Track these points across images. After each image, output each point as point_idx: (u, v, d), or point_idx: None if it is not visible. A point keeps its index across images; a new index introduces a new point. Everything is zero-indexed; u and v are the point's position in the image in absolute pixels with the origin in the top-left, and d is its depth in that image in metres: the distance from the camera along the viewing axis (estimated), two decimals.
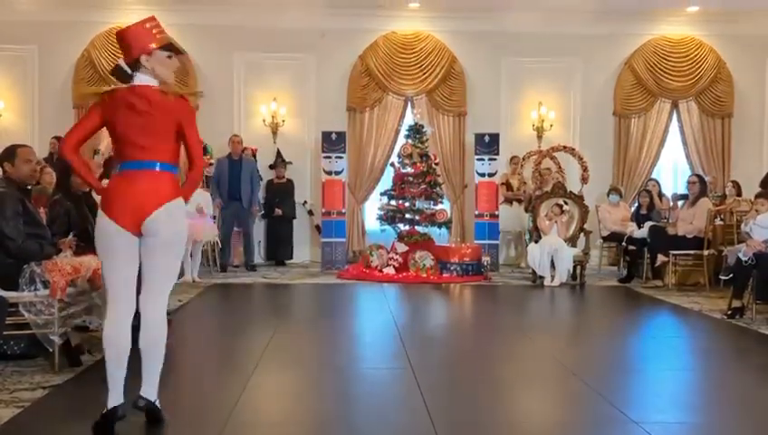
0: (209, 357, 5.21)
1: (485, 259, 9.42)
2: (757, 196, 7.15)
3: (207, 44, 10.73)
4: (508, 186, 10.70)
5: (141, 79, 3.19)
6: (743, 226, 7.07)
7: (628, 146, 11.22)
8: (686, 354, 5.55)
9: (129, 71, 3.21)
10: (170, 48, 3.25)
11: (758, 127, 11.42)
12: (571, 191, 9.36)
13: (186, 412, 3.76)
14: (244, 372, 4.42)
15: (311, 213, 10.92)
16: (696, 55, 11.14)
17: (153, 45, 3.19)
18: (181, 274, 8.44)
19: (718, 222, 8.74)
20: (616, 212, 9.85)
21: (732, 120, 11.23)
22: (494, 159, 10.17)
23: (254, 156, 10.41)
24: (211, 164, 9.97)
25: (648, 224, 8.93)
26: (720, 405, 4.02)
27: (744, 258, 6.37)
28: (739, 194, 9.69)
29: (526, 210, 10.14)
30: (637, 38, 11.19)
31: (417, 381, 4.25)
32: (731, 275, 6.65)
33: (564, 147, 10.34)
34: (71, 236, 4.76)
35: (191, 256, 8.59)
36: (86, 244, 4.86)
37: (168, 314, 6.11)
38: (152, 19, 3.27)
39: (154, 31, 3.22)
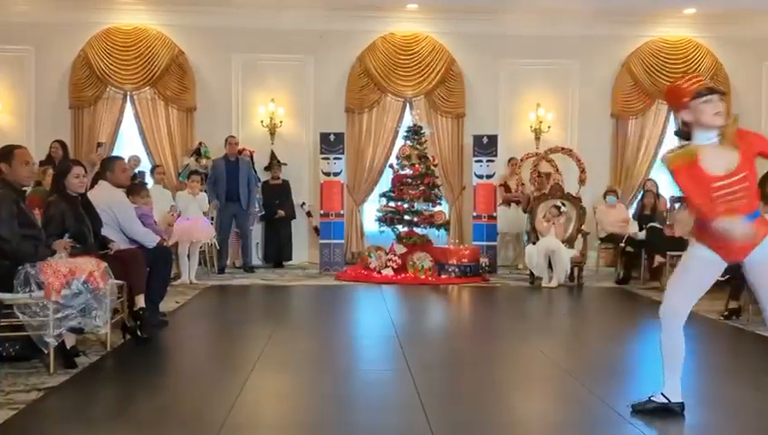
0: (207, 359, 5.21)
1: (483, 261, 9.42)
2: None
3: (205, 45, 10.72)
4: (506, 187, 10.69)
5: (697, 138, 3.43)
6: None
7: (625, 147, 11.22)
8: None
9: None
10: (701, 93, 3.31)
11: (754, 129, 11.14)
12: (568, 193, 9.35)
13: (183, 413, 3.75)
14: (241, 373, 4.41)
15: (309, 214, 10.90)
16: (692, 57, 11.13)
17: (685, 99, 3.32)
18: (178, 276, 8.44)
19: None
20: (613, 213, 9.85)
21: None
22: (492, 161, 10.15)
23: (252, 158, 10.38)
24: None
25: (649, 225, 8.93)
26: (716, 406, 4.02)
27: None
28: None
29: (524, 211, 10.13)
30: (634, 40, 11.19)
31: (414, 382, 4.24)
32: (727, 277, 6.62)
33: (562, 148, 10.35)
34: (66, 238, 4.74)
35: (188, 257, 8.58)
36: (81, 245, 4.84)
37: (164, 315, 6.17)
38: (691, 77, 3.42)
39: (684, 85, 3.36)
